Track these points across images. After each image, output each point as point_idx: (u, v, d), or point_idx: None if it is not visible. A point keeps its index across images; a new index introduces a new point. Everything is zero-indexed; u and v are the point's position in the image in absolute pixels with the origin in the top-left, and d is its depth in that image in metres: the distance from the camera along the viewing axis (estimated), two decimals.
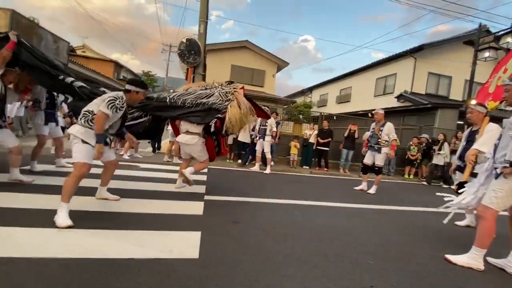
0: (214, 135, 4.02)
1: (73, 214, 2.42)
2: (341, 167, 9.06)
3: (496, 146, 2.47)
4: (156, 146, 8.68)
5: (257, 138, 7.46)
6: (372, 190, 5.73)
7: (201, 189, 4.28)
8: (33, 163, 4.17)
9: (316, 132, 9.08)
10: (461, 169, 3.73)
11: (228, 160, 8.24)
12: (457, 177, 3.86)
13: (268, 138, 7.34)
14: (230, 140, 7.69)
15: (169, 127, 5.46)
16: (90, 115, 2.68)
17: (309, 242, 2.62)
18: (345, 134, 8.92)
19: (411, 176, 9.40)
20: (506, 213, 2.55)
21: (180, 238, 2.38)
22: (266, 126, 7.34)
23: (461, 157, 3.70)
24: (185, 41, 8.07)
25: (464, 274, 2.28)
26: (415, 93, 13.72)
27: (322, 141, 8.76)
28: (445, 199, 2.95)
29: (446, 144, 8.56)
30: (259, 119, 7.69)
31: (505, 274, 2.37)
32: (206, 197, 3.81)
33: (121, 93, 2.83)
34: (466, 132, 3.83)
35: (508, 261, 2.42)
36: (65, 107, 6.41)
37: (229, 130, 3.85)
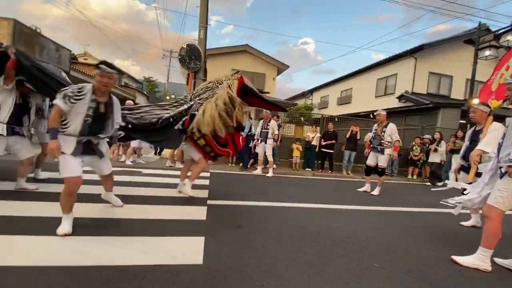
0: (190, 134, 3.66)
1: (76, 222, 2.42)
2: (343, 168, 9.03)
3: (500, 145, 2.45)
4: (158, 150, 8.71)
5: (259, 141, 7.47)
6: (375, 192, 5.69)
7: (204, 193, 4.27)
8: (37, 170, 4.19)
9: (318, 134, 9.07)
10: (465, 168, 3.71)
11: (230, 164, 8.24)
12: (461, 176, 3.84)
13: (270, 141, 7.34)
14: None
15: None
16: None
17: (314, 245, 2.60)
18: (347, 136, 8.90)
19: (415, 177, 9.35)
20: (511, 212, 2.52)
21: (183, 243, 2.37)
22: (268, 129, 7.34)
23: (465, 157, 3.67)
24: (185, 46, 8.13)
25: (471, 276, 2.25)
26: (416, 93, 13.69)
27: (325, 142, 8.75)
28: (450, 200, 2.93)
29: (443, 142, 8.53)
30: (261, 121, 7.72)
31: None
32: (208, 202, 3.80)
33: (85, 84, 2.47)
34: (470, 131, 3.81)
35: None
36: None
37: (197, 128, 3.49)
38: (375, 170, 5.81)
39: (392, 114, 11.90)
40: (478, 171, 3.01)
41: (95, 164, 2.76)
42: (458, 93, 14.27)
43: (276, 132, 7.52)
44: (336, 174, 8.78)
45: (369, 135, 6.11)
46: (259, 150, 7.54)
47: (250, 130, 8.12)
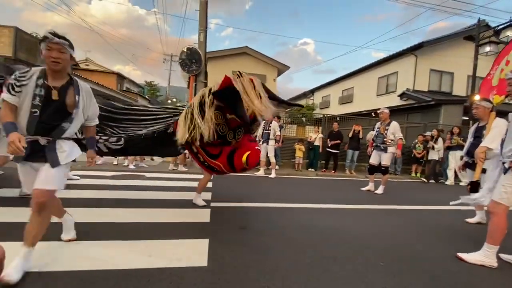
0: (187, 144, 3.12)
1: (80, 227, 2.43)
2: (347, 168, 9.00)
3: (503, 141, 2.44)
4: None
5: (261, 142, 7.47)
6: (379, 190, 5.67)
7: (207, 196, 4.28)
8: None
9: (320, 135, 9.06)
10: (469, 165, 3.69)
11: None
12: (467, 173, 3.82)
13: (272, 142, 7.34)
14: None
15: None
16: None
17: (318, 245, 2.59)
18: (350, 135, 8.88)
19: (418, 174, 9.30)
20: None
21: (188, 246, 2.37)
22: (270, 130, 7.35)
23: (469, 153, 3.66)
24: (185, 50, 8.17)
25: (478, 272, 2.24)
26: (417, 90, 13.65)
27: (331, 143, 8.75)
28: (463, 200, 2.89)
29: (440, 139, 8.51)
30: (262, 123, 7.72)
31: None
32: (212, 204, 3.81)
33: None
34: (473, 127, 3.79)
35: None
36: None
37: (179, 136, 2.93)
38: (379, 169, 5.79)
39: (394, 112, 11.84)
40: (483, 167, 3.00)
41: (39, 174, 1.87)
42: (459, 89, 14.20)
43: (278, 133, 7.52)
44: (339, 173, 8.75)
45: (372, 133, 6.09)
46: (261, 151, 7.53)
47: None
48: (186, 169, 7.22)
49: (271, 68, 17.33)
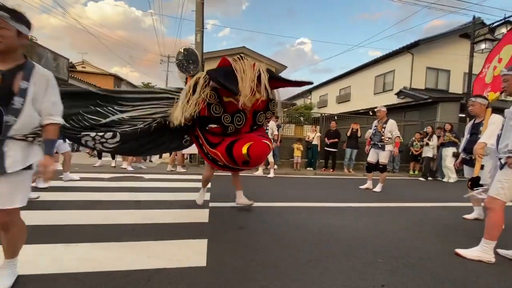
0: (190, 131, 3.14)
1: (79, 229, 2.43)
2: (345, 166, 9.03)
3: (498, 137, 2.46)
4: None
5: None
6: (377, 188, 5.69)
7: (206, 196, 4.27)
8: (38, 180, 4.20)
9: (318, 134, 9.08)
10: (466, 161, 3.72)
11: None
12: (465, 170, 3.85)
13: None
14: None
15: None
16: None
17: (317, 244, 2.60)
18: (348, 134, 8.90)
19: (416, 172, 9.33)
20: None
21: (187, 246, 2.37)
22: (267, 130, 7.35)
23: (466, 150, 3.68)
24: (182, 51, 8.15)
25: (475, 268, 2.25)
26: (414, 88, 13.71)
27: (329, 141, 8.77)
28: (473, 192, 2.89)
29: (434, 136, 8.54)
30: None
31: None
32: (211, 204, 3.81)
33: None
34: (469, 124, 3.81)
35: None
36: None
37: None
38: (377, 167, 5.81)
39: (391, 110, 11.91)
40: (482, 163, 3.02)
41: None
42: (456, 87, 14.28)
43: (276, 132, 7.53)
44: (338, 172, 8.78)
45: (370, 131, 6.12)
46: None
47: None
48: (185, 170, 7.21)
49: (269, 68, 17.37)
